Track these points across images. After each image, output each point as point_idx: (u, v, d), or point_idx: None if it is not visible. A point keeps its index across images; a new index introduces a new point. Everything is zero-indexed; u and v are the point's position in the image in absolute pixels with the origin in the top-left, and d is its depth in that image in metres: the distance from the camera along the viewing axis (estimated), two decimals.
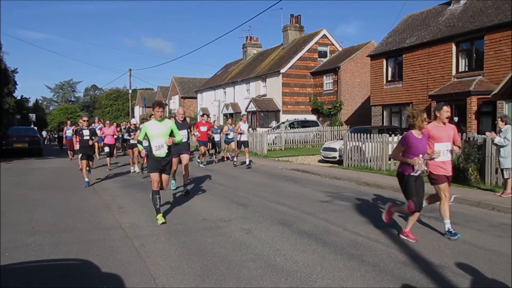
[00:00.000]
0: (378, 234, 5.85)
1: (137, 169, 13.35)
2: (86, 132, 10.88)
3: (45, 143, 40.18)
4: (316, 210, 7.50)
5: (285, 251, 5.10)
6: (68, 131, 18.91)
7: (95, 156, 17.55)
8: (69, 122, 20.22)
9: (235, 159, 15.81)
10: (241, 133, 14.90)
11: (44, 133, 47.79)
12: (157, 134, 6.65)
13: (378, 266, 4.54)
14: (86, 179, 10.61)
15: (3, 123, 26.93)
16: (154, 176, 6.65)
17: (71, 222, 6.64)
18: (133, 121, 15.19)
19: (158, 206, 6.57)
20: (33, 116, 43.37)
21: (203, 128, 14.88)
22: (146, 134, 6.77)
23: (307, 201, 8.40)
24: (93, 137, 11.03)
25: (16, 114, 36.12)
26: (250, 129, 15.54)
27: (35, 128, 29.74)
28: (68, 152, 19.28)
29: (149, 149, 6.73)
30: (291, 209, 7.58)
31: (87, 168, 10.87)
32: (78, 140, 11.18)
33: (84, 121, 11.25)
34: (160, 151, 6.66)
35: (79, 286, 4.07)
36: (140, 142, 7.02)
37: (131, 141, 13.39)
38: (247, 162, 14.87)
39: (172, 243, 5.45)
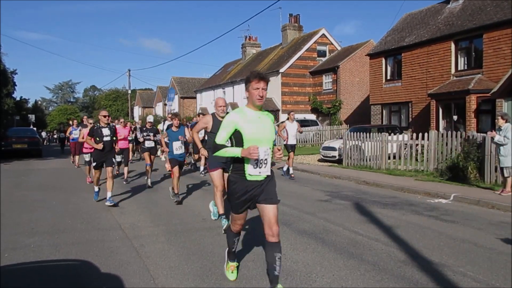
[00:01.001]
0: (378, 233, 5.84)
1: (149, 182, 10.58)
2: (106, 132, 8.17)
3: (45, 143, 40.17)
4: (316, 209, 7.50)
5: (284, 250, 5.08)
6: (75, 132, 15.70)
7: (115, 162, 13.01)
8: (75, 122, 17.18)
9: (284, 168, 12.61)
10: (286, 138, 12.16)
11: (43, 133, 47.77)
12: (259, 137, 3.66)
13: (377, 265, 4.54)
14: (96, 189, 8.46)
15: (3, 124, 26.91)
16: (239, 214, 3.81)
17: (71, 223, 6.63)
18: (149, 118, 12.35)
19: (234, 249, 4.09)
20: (32, 117, 43.36)
21: None
22: (232, 135, 3.70)
23: (306, 201, 8.39)
24: (114, 138, 8.38)
25: (15, 115, 36.13)
26: (300, 128, 12.66)
27: (34, 129, 29.73)
28: (74, 157, 16.12)
29: (231, 163, 3.79)
30: (290, 209, 7.57)
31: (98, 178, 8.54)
32: (91, 144, 8.32)
33: (105, 116, 8.33)
34: (262, 170, 3.64)
35: (78, 287, 4.06)
36: (222, 147, 3.67)
37: (147, 144, 11.25)
38: (289, 170, 12.23)
39: (171, 243, 5.45)
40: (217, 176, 6.24)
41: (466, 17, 18.56)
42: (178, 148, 8.26)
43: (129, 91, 47.20)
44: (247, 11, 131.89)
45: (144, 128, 11.61)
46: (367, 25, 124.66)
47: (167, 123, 13.21)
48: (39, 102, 79.59)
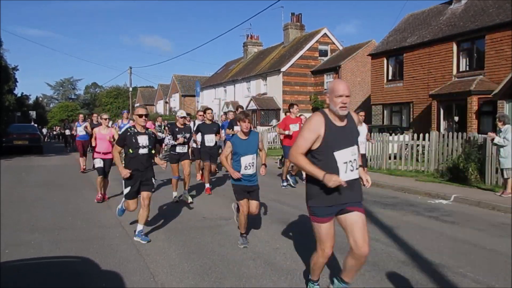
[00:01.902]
0: (378, 233, 5.84)
1: (189, 198, 8.08)
2: (143, 140, 5.43)
3: (45, 140, 40.19)
4: None
5: (284, 249, 5.09)
6: (79, 128, 13.79)
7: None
8: (81, 116, 14.99)
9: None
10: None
11: (44, 130, 47.74)
12: None
13: (377, 265, 4.54)
14: (141, 227, 5.44)
15: (4, 121, 26.89)
16: None
17: (71, 220, 6.63)
18: (180, 113, 8.35)
19: None
20: (33, 114, 43.34)
21: (295, 127, 9.30)
22: None
23: None
24: (154, 148, 5.64)
25: (16, 112, 36.11)
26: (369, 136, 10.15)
27: (35, 125, 29.72)
28: (81, 159, 13.54)
29: None
30: (291, 208, 7.57)
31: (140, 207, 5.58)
32: (117, 163, 5.58)
33: (141, 116, 5.46)
34: None
35: (78, 284, 4.07)
36: None
37: (178, 149, 8.06)
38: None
39: (172, 242, 5.45)
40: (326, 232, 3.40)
41: (468, 18, 18.53)
42: (249, 165, 5.22)
43: (130, 89, 47.13)
44: (249, 10, 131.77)
45: (177, 129, 8.09)
46: (368, 25, 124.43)
47: (197, 122, 10.19)
48: (40, 99, 79.60)
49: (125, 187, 5.51)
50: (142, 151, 5.45)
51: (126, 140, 5.48)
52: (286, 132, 9.49)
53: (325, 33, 32.24)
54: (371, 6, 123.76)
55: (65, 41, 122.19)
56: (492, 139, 8.72)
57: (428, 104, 19.20)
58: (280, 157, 13.56)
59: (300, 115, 10.16)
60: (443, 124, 18.22)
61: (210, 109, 9.48)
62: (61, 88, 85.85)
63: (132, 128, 5.57)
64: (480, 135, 10.94)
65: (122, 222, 6.51)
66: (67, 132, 23.41)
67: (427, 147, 12.11)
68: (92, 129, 11.11)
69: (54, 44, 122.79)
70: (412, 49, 20.54)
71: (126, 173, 5.34)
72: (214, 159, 9.16)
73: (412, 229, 6.10)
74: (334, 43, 32.57)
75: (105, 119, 8.61)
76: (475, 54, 17.86)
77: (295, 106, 9.74)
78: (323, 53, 32.17)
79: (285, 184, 9.97)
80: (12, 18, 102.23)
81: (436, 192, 8.95)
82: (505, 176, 8.40)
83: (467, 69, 18.21)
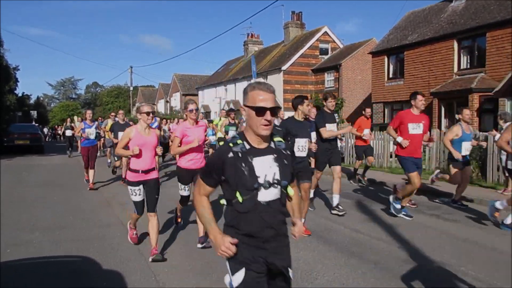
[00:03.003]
0: (379, 232, 5.83)
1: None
2: (267, 168, 2.27)
3: (46, 140, 40.23)
4: (317, 208, 7.48)
5: None
6: (89, 130, 9.84)
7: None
8: (89, 112, 10.29)
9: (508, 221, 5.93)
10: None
11: (45, 130, 47.76)
12: None
13: (379, 264, 4.53)
14: None
15: (5, 120, 26.93)
16: None
17: (72, 220, 6.64)
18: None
19: None
20: (34, 113, 43.40)
21: (416, 128, 6.51)
22: None
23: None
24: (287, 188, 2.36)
25: (17, 111, 36.14)
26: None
27: (36, 125, 29.74)
28: (88, 172, 9.85)
29: None
30: None
31: None
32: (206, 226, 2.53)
33: (262, 112, 2.17)
34: None
35: (79, 283, 4.07)
36: None
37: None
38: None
39: (173, 241, 5.45)
40: None
41: (469, 16, 18.49)
42: None
43: (131, 88, 47.12)
44: (249, 9, 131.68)
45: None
46: (368, 23, 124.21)
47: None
48: (41, 98, 79.72)
49: (233, 273, 2.40)
50: (268, 195, 2.33)
51: (226, 170, 2.42)
52: (399, 140, 6.28)
53: (325, 32, 32.21)
54: (371, 5, 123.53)
55: (66, 41, 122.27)
56: (494, 136, 8.72)
57: (429, 102, 19.17)
58: (358, 166, 10.98)
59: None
60: (444, 122, 18.20)
61: (305, 97, 5.70)
62: (62, 87, 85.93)
63: (240, 141, 2.32)
64: (481, 133, 10.91)
65: (123, 221, 6.50)
66: (68, 132, 19.54)
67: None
68: (110, 131, 9.54)
69: (55, 44, 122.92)
70: (412, 47, 20.52)
71: (229, 247, 2.43)
72: (308, 175, 5.79)
73: (414, 227, 6.09)
74: (334, 42, 32.54)
75: (147, 113, 4.77)
76: (476, 52, 17.84)
77: (418, 97, 6.40)
78: (324, 52, 32.15)
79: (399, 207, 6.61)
80: (13, 18, 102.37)
81: (437, 190, 8.94)
82: (507, 174, 8.37)
83: (468, 66, 18.19)
